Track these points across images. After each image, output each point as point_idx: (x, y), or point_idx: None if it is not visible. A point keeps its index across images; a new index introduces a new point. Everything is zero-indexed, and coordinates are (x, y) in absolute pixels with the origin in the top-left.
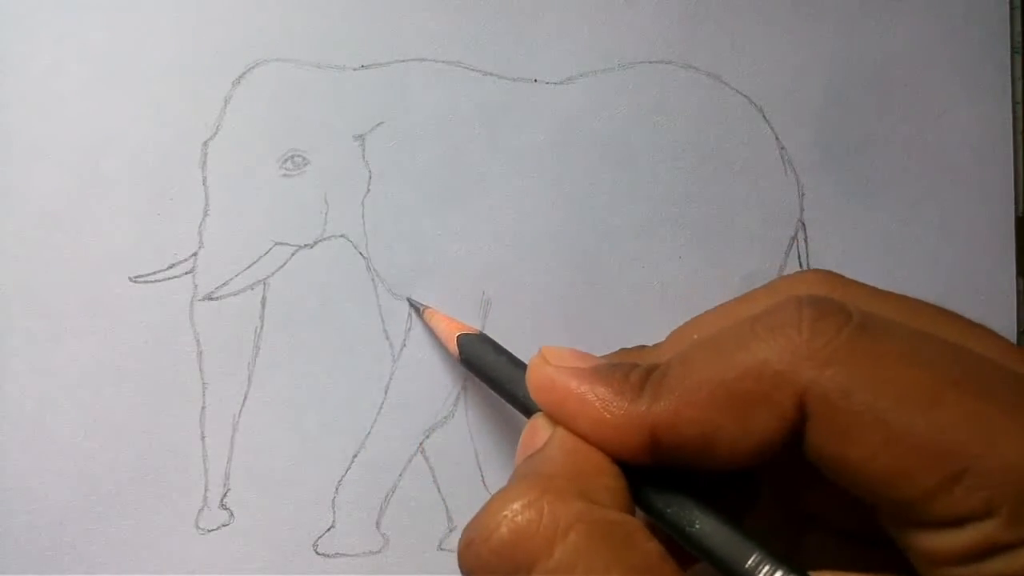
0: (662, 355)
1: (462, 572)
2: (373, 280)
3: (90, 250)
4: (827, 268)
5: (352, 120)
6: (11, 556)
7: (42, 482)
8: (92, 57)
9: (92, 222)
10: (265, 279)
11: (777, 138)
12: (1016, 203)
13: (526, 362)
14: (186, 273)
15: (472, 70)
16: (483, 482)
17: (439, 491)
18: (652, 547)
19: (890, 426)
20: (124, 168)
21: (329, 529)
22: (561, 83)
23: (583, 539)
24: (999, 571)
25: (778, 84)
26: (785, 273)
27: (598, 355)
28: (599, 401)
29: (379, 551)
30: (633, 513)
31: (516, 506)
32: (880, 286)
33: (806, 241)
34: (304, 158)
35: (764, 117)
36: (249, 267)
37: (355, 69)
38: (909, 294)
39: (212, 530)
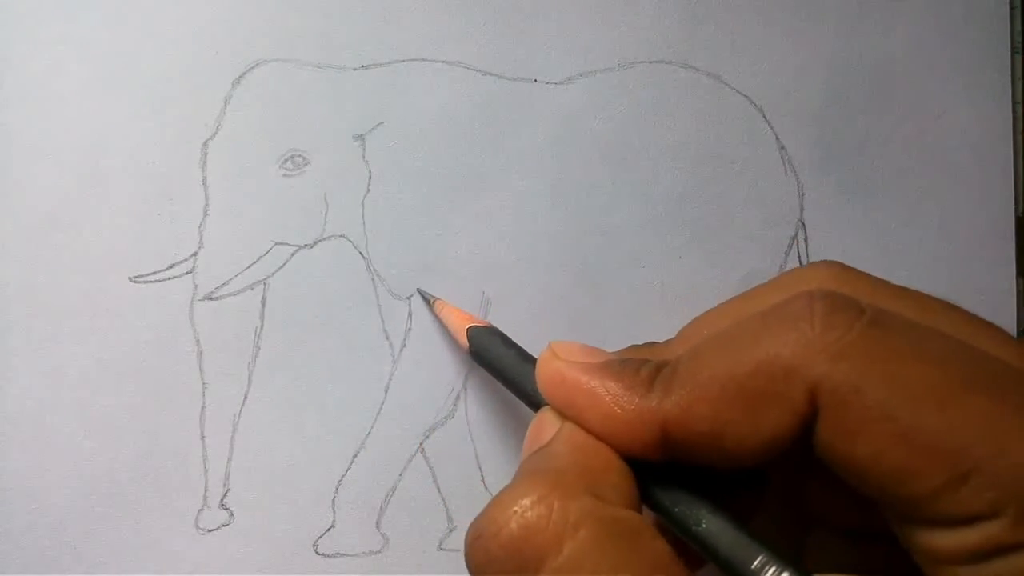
0: (672, 352)
1: (469, 567)
2: (373, 280)
3: (90, 250)
4: None
5: (352, 120)
6: (11, 556)
7: (42, 482)
8: (92, 57)
9: (92, 222)
10: (265, 279)
11: (777, 138)
12: (1016, 203)
13: (535, 356)
14: (186, 273)
15: (472, 70)
16: (483, 482)
17: (439, 491)
18: (661, 546)
19: (900, 423)
20: (124, 168)
21: (329, 529)
22: (561, 83)
23: (592, 537)
24: (1004, 571)
25: (778, 84)
26: None
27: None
28: (609, 396)
29: (379, 551)
30: (640, 511)
31: (526, 502)
32: None
33: (806, 241)
34: (304, 158)
35: (764, 117)
36: (249, 267)
37: (355, 69)
38: None
39: (212, 530)
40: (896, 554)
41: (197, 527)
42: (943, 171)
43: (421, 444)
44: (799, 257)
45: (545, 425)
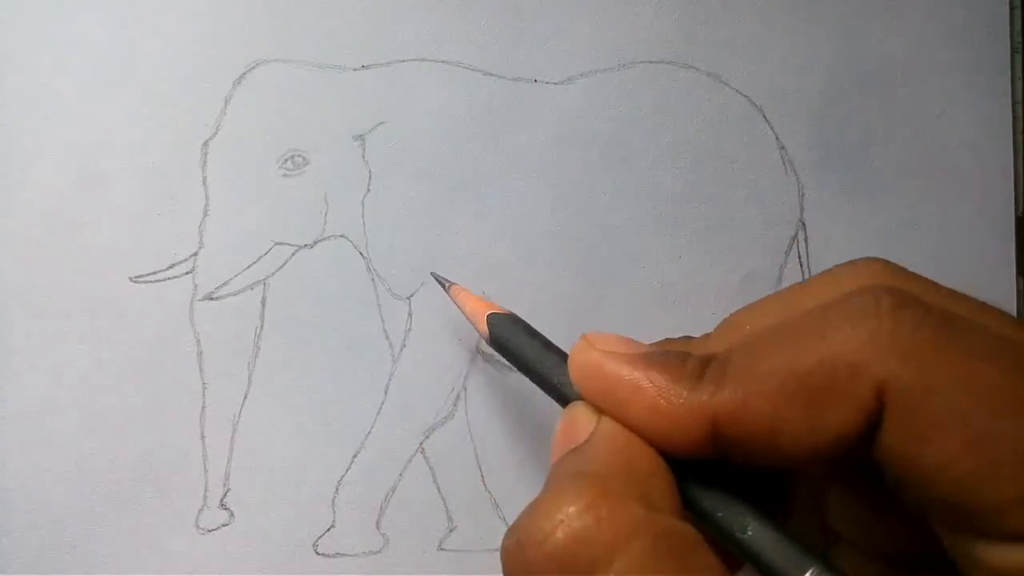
0: (712, 347)
1: (506, 573)
2: (373, 280)
3: (90, 250)
4: (827, 268)
5: (352, 120)
6: (11, 556)
7: (42, 482)
8: (92, 57)
9: (92, 222)
10: (265, 279)
11: (777, 138)
12: (1016, 203)
13: (559, 347)
14: (186, 273)
15: (472, 70)
16: (483, 482)
17: (439, 491)
18: (714, 561)
19: (975, 428)
20: (124, 168)
21: (329, 529)
22: (561, 83)
23: (647, 550)
24: None
25: (778, 84)
26: (785, 273)
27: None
28: (655, 389)
29: (379, 551)
30: (685, 517)
31: (572, 509)
32: None
33: (806, 241)
34: (304, 158)
35: (764, 117)
36: (249, 267)
37: (355, 69)
38: None
39: (212, 530)
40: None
41: (197, 527)
42: (943, 171)
43: (421, 444)
44: (799, 257)
45: (579, 421)
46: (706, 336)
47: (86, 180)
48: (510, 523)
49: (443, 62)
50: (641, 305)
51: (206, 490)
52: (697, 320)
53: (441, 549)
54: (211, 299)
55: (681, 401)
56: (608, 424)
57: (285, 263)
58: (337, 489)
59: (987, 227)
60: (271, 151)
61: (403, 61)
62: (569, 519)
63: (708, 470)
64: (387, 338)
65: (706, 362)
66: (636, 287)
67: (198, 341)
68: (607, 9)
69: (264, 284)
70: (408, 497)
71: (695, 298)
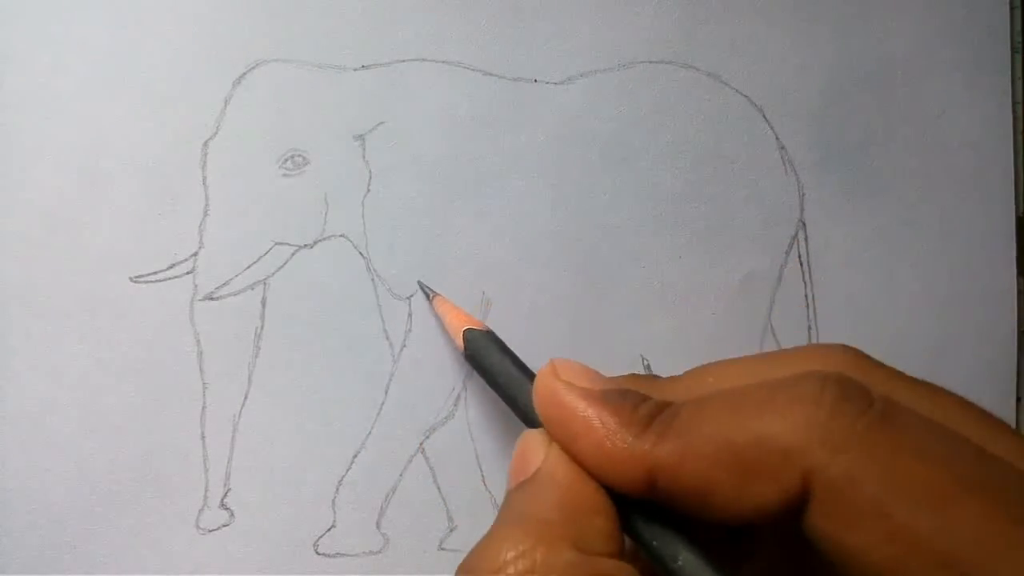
0: (674, 392)
1: None
2: (373, 280)
3: (90, 250)
4: (827, 268)
5: (352, 120)
6: (11, 556)
7: (42, 482)
8: (92, 57)
9: (92, 222)
10: (265, 279)
11: (777, 138)
12: (1016, 203)
13: (530, 366)
14: (186, 273)
15: (472, 70)
16: (483, 482)
17: (439, 491)
18: None
19: (893, 520)
20: (124, 168)
21: (329, 529)
22: (561, 83)
23: None
24: None
25: (778, 84)
26: (785, 273)
27: (602, 369)
28: (603, 429)
29: (379, 551)
30: (623, 553)
31: (510, 555)
32: (880, 286)
33: (806, 241)
34: (304, 158)
35: (764, 117)
36: (249, 267)
37: (355, 69)
38: (909, 295)
39: (212, 530)
40: None
41: (197, 527)
42: (943, 171)
43: (421, 444)
44: (799, 257)
45: (531, 451)
46: (672, 379)
47: (86, 180)
48: None
49: (443, 62)
50: (641, 305)
51: (206, 490)
52: (697, 320)
53: (441, 549)
54: (211, 299)
55: (624, 446)
56: (554, 458)
57: (285, 263)
58: (337, 489)
59: (987, 227)
60: (271, 151)
61: (403, 61)
62: (506, 565)
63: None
64: (387, 338)
65: (658, 410)
66: (636, 287)
67: (198, 341)
68: (607, 9)
69: (264, 284)
70: (408, 497)
71: (695, 298)
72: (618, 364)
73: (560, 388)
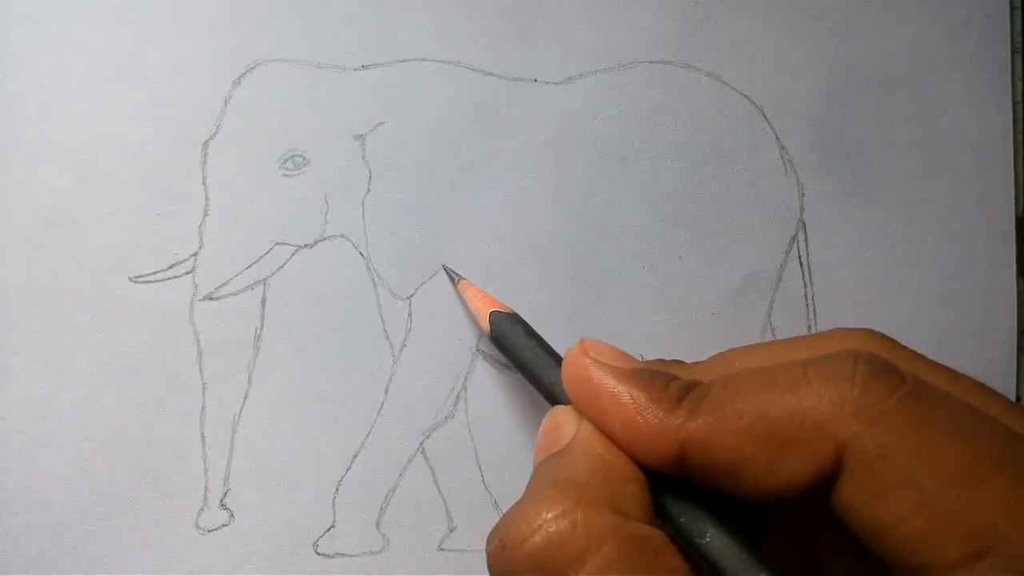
0: (699, 374)
1: (491, 571)
2: (373, 280)
3: (90, 250)
4: (827, 268)
5: (352, 120)
6: (11, 556)
7: (42, 482)
8: (92, 57)
9: (92, 222)
10: (265, 279)
11: (777, 138)
12: (1016, 203)
13: (555, 350)
14: (186, 273)
15: (472, 70)
16: (483, 482)
17: (439, 491)
18: (678, 563)
19: (924, 493)
20: (124, 168)
21: (329, 529)
22: (561, 83)
23: (615, 553)
24: None
25: (778, 84)
26: (785, 273)
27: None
28: (634, 404)
29: (379, 551)
30: (654, 522)
31: (550, 515)
32: (880, 286)
33: (806, 241)
34: (304, 158)
35: (764, 117)
36: (249, 267)
37: (355, 69)
38: (909, 295)
39: (212, 530)
40: None
41: (197, 527)
42: (943, 171)
43: (421, 444)
44: (799, 257)
45: (562, 425)
46: (696, 364)
47: (86, 180)
48: None
49: (443, 62)
50: (641, 305)
51: (206, 490)
52: (697, 320)
53: (441, 549)
54: (211, 299)
55: (655, 421)
56: (587, 431)
57: (285, 263)
58: (337, 489)
59: (987, 227)
60: (271, 151)
61: (403, 61)
62: (547, 524)
63: (682, 479)
64: (387, 338)
65: (687, 388)
66: (636, 287)
67: (198, 341)
68: (607, 9)
69: (264, 284)
70: (408, 497)
71: (695, 298)
72: None
73: (590, 365)
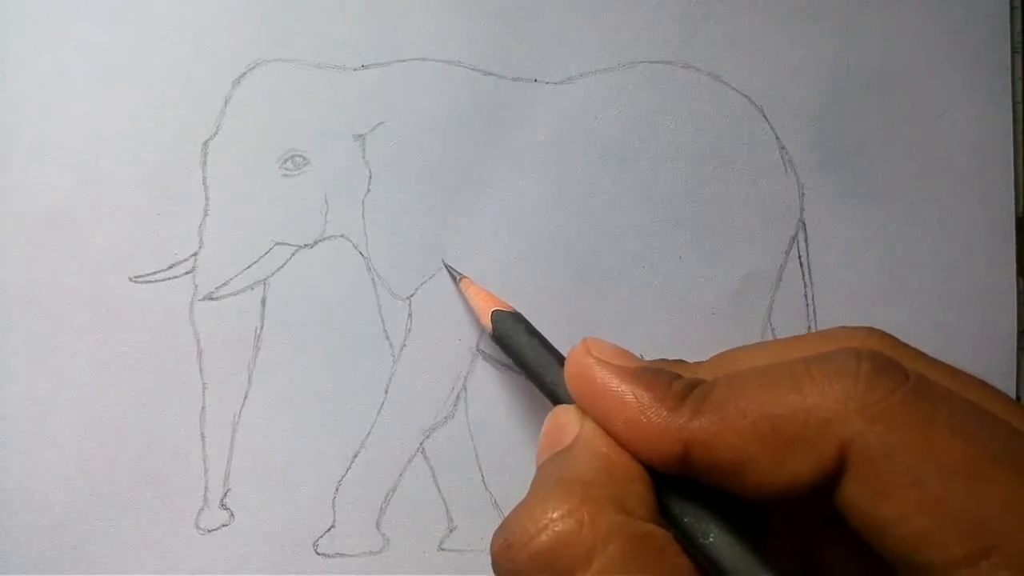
0: (702, 374)
1: (496, 572)
2: (373, 280)
3: (90, 250)
4: (827, 268)
5: (352, 120)
6: (11, 556)
7: (42, 482)
8: (92, 57)
9: (92, 222)
10: (265, 279)
11: (777, 138)
12: (1016, 203)
13: (557, 349)
14: (186, 273)
15: (472, 70)
16: (483, 482)
17: (439, 491)
18: (683, 562)
19: (928, 491)
20: (124, 168)
21: (329, 529)
22: (561, 83)
23: (621, 552)
24: None
25: (778, 84)
26: (785, 273)
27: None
28: (637, 403)
29: (379, 551)
30: (659, 521)
31: (555, 514)
32: (880, 286)
33: (806, 241)
34: (304, 158)
35: (764, 117)
36: (249, 267)
37: (355, 69)
38: (909, 295)
39: (212, 530)
40: None
41: (197, 527)
42: (943, 171)
43: (421, 444)
44: (799, 257)
45: (565, 424)
46: (699, 363)
47: (86, 180)
48: None
49: (443, 62)
50: (641, 305)
51: (206, 490)
52: (697, 320)
53: (441, 549)
54: (211, 299)
55: (659, 420)
56: (591, 430)
57: (285, 263)
58: (337, 489)
59: (987, 227)
60: (271, 151)
61: (403, 61)
62: (553, 523)
63: (686, 479)
64: (387, 338)
65: (691, 387)
66: (636, 287)
67: (198, 341)
68: (607, 9)
69: (264, 284)
70: (408, 497)
71: (695, 298)
72: None
73: (594, 364)
